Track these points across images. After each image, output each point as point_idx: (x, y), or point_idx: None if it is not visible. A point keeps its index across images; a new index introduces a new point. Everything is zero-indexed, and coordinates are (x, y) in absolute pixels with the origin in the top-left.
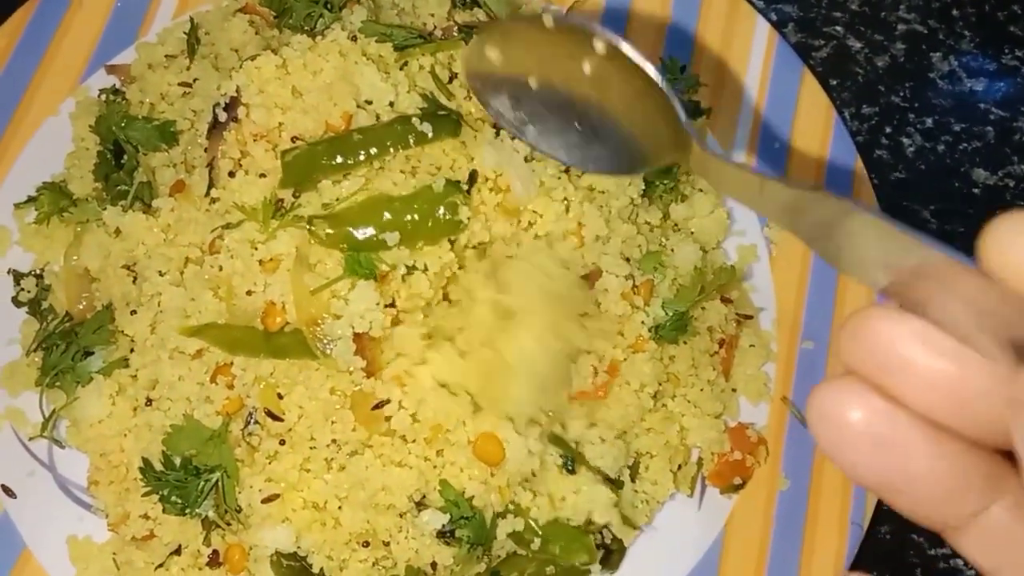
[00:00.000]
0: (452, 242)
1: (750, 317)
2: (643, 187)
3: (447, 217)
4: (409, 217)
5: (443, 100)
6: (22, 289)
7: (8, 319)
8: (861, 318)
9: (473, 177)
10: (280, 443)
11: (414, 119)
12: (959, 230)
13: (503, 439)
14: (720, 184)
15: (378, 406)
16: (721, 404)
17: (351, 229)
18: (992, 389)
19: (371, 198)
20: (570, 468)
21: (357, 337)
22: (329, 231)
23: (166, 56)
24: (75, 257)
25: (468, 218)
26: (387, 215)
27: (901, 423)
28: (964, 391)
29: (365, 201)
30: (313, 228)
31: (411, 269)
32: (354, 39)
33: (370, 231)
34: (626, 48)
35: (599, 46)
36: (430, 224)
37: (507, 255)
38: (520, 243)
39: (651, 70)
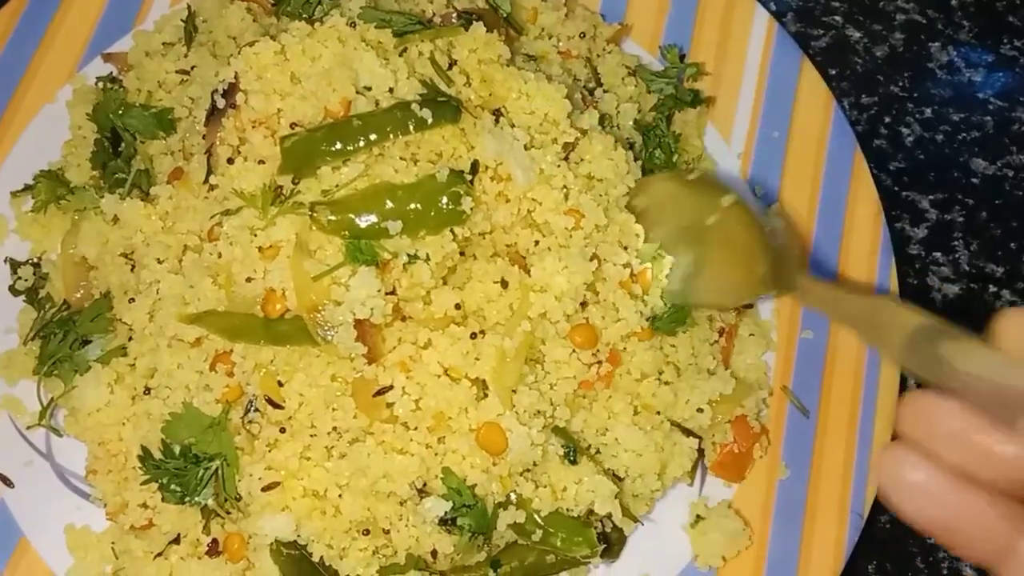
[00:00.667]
0: (454, 232)
1: (750, 306)
2: (640, 175)
3: (450, 207)
4: (412, 206)
5: (442, 87)
6: (19, 278)
7: (5, 308)
8: (917, 397)
9: (475, 167)
10: (280, 431)
11: (413, 105)
12: (958, 220)
13: (506, 429)
14: (834, 313)
15: (380, 392)
16: (719, 392)
17: (353, 216)
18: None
19: (373, 186)
20: (572, 459)
21: (358, 323)
22: (331, 217)
23: (163, 44)
24: (73, 245)
25: (471, 208)
26: (389, 203)
27: (950, 482)
28: (994, 457)
29: (367, 189)
30: (315, 215)
31: (412, 258)
32: (353, 25)
33: (372, 218)
34: (748, 205)
35: (726, 200)
36: (432, 213)
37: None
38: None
39: (770, 222)
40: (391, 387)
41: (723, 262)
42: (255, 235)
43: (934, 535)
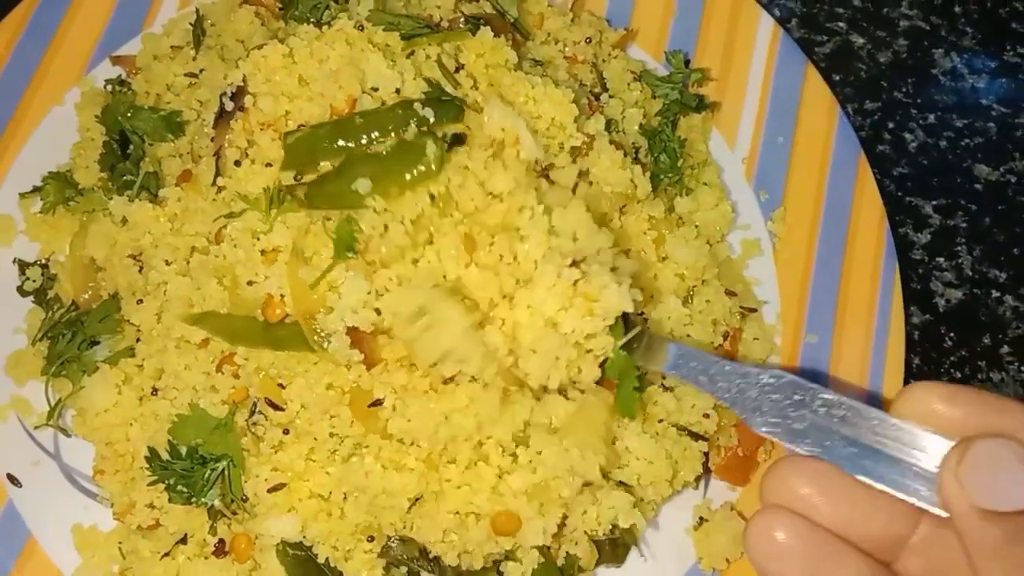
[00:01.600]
0: (433, 197)
1: (754, 310)
2: (650, 188)
3: (416, 157)
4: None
5: (449, 89)
6: (27, 278)
7: (13, 308)
8: (777, 466)
9: (460, 138)
10: (284, 432)
11: (416, 104)
12: (961, 225)
13: (524, 518)
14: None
15: (374, 404)
16: None
17: (324, 184)
18: (864, 517)
19: (345, 159)
20: None
21: (352, 330)
22: (305, 194)
23: (172, 47)
24: (81, 247)
25: (434, 155)
26: (359, 167)
27: (814, 540)
28: (844, 518)
29: (340, 163)
30: (293, 195)
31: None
32: (361, 28)
33: (341, 183)
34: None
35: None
36: (398, 165)
37: None
38: None
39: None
40: (383, 401)
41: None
42: (257, 239)
43: None
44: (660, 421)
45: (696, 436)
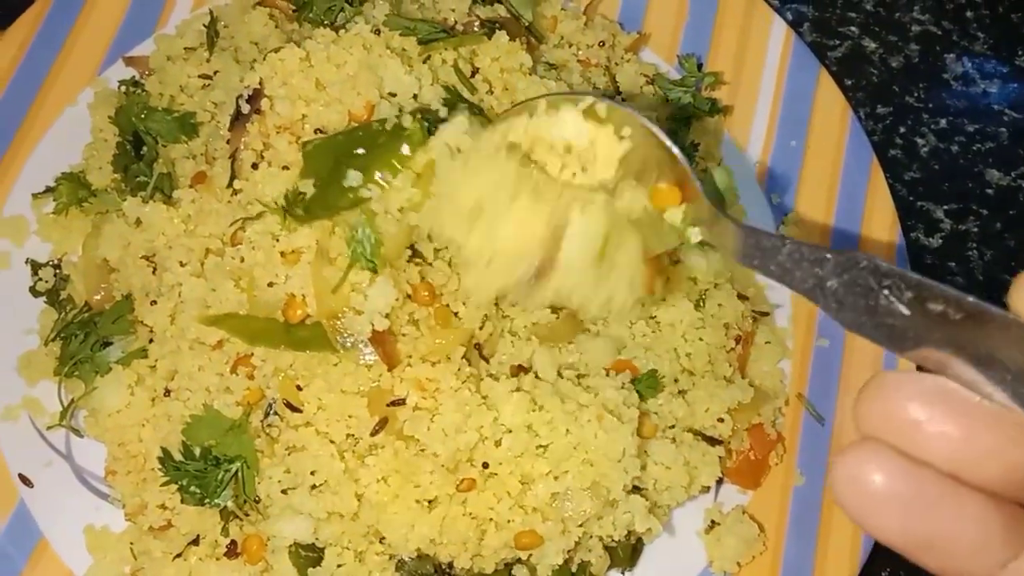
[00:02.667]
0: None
1: (766, 314)
2: None
3: (393, 134)
4: (359, 151)
5: (465, 94)
6: (40, 279)
7: (26, 309)
8: (874, 384)
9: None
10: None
11: (438, 111)
12: (972, 230)
13: (544, 536)
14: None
15: (394, 404)
16: (737, 400)
17: (321, 195)
18: (1003, 446)
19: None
20: None
21: (376, 334)
22: (305, 210)
23: (185, 48)
24: (94, 247)
25: (418, 129)
26: (345, 165)
27: (923, 482)
28: (974, 450)
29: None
30: (293, 215)
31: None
32: (377, 32)
33: (334, 187)
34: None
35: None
36: (382, 150)
37: None
38: None
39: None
40: (404, 400)
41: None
42: (277, 240)
43: (908, 553)
44: (671, 427)
45: (712, 441)
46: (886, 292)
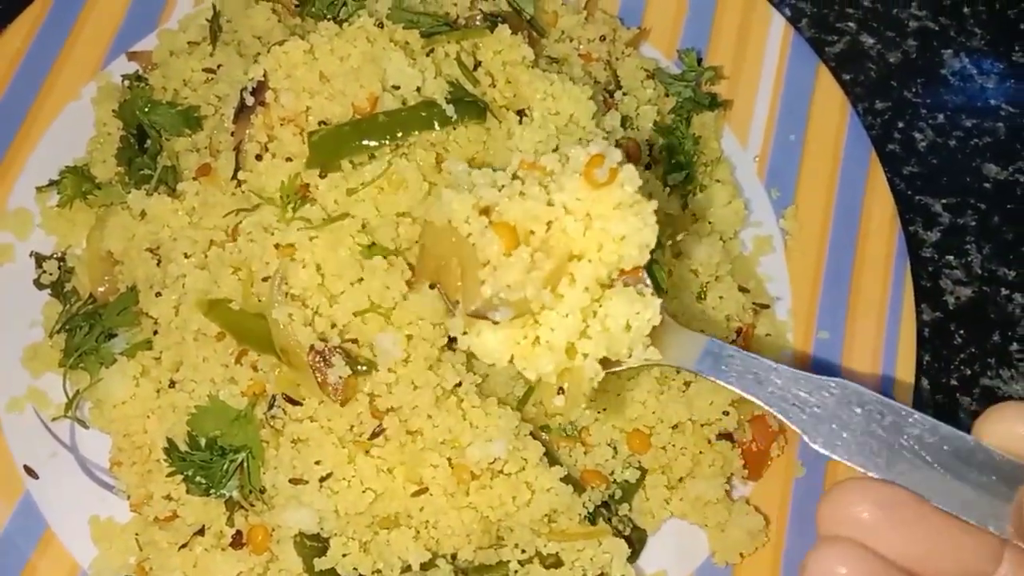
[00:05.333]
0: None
1: (766, 307)
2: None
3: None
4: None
5: (468, 87)
6: (44, 271)
7: (30, 301)
8: (835, 491)
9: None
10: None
11: (440, 102)
12: (970, 224)
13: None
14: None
15: (374, 436)
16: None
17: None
18: (951, 551)
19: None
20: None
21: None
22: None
23: (188, 43)
24: (99, 240)
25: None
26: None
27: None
28: (921, 550)
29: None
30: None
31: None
32: (381, 26)
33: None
34: None
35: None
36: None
37: None
38: None
39: None
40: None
41: None
42: (271, 233)
43: None
44: (675, 427)
45: (731, 439)
46: (867, 416)
